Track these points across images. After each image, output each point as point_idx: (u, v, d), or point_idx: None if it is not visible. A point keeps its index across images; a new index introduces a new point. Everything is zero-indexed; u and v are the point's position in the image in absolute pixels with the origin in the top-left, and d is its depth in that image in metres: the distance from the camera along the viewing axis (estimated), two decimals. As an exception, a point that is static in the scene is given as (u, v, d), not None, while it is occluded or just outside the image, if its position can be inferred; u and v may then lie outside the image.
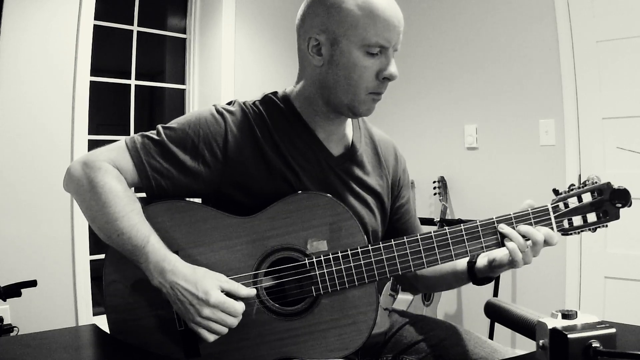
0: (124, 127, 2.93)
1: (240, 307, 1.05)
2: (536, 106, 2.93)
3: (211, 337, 1.05)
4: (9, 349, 1.04)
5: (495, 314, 1.48)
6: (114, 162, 1.12)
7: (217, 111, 1.18)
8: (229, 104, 1.22)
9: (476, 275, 1.21)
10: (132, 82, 2.93)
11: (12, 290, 1.91)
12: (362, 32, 1.09)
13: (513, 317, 1.39)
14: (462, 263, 1.23)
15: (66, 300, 2.47)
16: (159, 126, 1.17)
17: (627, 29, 2.62)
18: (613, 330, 0.87)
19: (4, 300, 1.93)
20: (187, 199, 1.18)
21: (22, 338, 1.18)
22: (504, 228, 1.11)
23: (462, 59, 3.21)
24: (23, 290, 1.93)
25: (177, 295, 1.03)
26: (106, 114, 3.09)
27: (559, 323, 0.88)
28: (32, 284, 1.96)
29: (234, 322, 1.05)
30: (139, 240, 1.05)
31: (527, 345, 2.13)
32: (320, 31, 1.13)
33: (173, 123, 1.18)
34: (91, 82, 2.55)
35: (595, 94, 2.73)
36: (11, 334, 2.03)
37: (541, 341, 0.90)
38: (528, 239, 1.10)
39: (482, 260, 1.20)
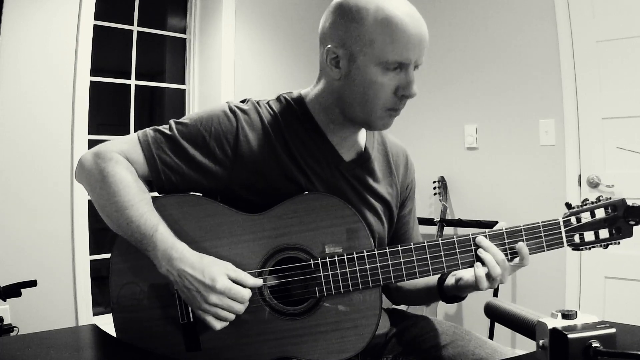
0: (124, 127, 2.92)
1: (247, 293, 1.04)
2: (536, 106, 2.93)
3: (218, 325, 1.04)
4: (9, 349, 1.04)
5: (495, 314, 1.48)
6: (125, 154, 1.13)
7: (230, 109, 1.18)
8: (242, 101, 1.22)
9: (446, 293, 1.21)
10: (132, 82, 2.93)
11: (12, 290, 1.91)
12: (379, 50, 1.06)
13: (513, 317, 1.39)
14: (434, 279, 1.22)
15: (66, 300, 2.46)
16: (172, 121, 1.18)
17: (627, 29, 2.61)
18: (613, 330, 0.87)
19: (4, 300, 1.93)
20: (197, 194, 1.18)
21: (22, 338, 1.18)
22: (481, 253, 1.10)
23: (462, 59, 3.21)
24: (23, 290, 1.93)
25: (184, 282, 1.04)
26: (106, 114, 3.09)
27: (559, 323, 0.88)
28: (32, 284, 1.96)
29: (241, 308, 1.04)
30: (148, 229, 1.06)
31: (527, 345, 2.13)
32: (339, 45, 1.10)
33: (185, 119, 1.18)
34: (91, 82, 2.55)
35: (595, 94, 2.72)
36: (11, 334, 2.03)
37: (541, 341, 0.90)
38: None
39: (450, 279, 1.19)
